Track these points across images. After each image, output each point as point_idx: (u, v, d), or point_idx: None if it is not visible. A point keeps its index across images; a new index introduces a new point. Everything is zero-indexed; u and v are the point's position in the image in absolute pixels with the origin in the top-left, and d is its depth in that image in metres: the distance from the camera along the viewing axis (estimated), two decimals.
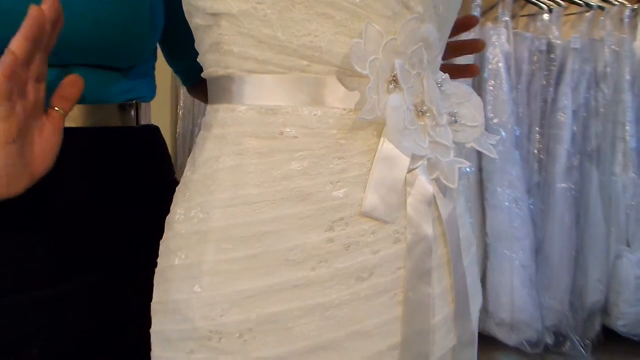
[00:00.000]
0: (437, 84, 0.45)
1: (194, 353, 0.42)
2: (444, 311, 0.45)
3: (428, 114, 0.44)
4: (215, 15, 0.42)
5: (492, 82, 1.94)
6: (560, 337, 2.03)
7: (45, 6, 0.42)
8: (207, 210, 0.43)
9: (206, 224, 0.43)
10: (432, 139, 0.44)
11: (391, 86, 0.41)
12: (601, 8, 2.04)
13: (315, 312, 0.40)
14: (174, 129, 2.23)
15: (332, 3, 0.40)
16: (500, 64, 1.95)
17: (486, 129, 0.49)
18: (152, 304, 0.47)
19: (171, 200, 0.49)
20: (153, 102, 0.69)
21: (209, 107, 0.49)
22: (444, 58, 0.57)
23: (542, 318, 1.95)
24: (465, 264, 0.47)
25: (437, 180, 0.44)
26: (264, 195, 0.41)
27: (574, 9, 2.11)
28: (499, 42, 1.97)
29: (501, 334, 1.93)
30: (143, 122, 0.64)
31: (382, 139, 0.41)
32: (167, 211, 0.49)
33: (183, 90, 2.21)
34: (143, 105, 0.64)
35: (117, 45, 0.55)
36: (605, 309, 2.03)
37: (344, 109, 0.42)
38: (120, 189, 0.60)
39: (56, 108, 0.49)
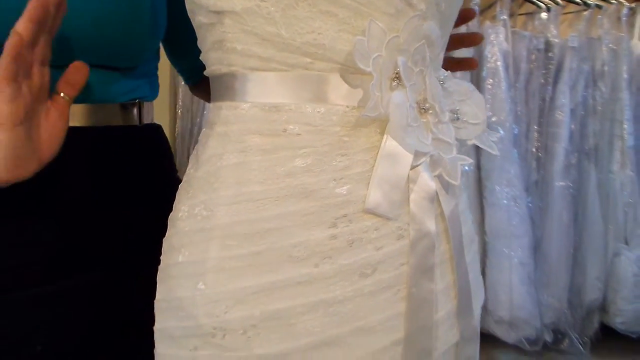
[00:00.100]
0: (439, 81, 0.46)
1: (197, 350, 0.42)
2: (447, 307, 0.46)
3: (430, 111, 0.44)
4: (218, 13, 0.42)
5: (491, 80, 1.95)
6: (559, 334, 2.03)
7: None
8: (210, 208, 0.43)
9: (210, 221, 0.43)
10: (434, 136, 0.44)
11: (394, 83, 0.41)
12: (599, 7, 2.05)
13: (319, 309, 0.41)
14: (172, 128, 2.23)
15: (335, 1, 0.40)
16: (499, 63, 1.96)
17: None
18: (155, 301, 0.48)
19: (174, 199, 0.49)
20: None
21: (211, 104, 0.49)
22: None
23: (541, 316, 1.95)
24: (468, 260, 0.47)
25: (439, 177, 0.44)
26: (268, 193, 0.42)
27: (571, 7, 2.12)
28: (497, 40, 1.98)
29: (500, 332, 1.93)
30: (146, 121, 0.64)
31: (385, 136, 0.42)
32: (170, 209, 0.49)
33: (182, 89, 2.21)
34: (146, 104, 0.64)
35: (117, 45, 0.56)
36: (603, 307, 2.04)
37: (347, 107, 0.42)
38: (123, 187, 0.60)
39: (61, 94, 0.49)
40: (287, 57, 0.42)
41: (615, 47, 2.01)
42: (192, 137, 2.19)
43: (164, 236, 0.49)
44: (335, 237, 0.41)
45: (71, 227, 0.55)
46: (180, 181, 0.51)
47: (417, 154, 0.42)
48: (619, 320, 2.00)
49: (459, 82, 0.48)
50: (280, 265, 0.41)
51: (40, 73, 0.46)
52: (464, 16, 0.62)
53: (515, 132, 1.98)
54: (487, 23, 2.03)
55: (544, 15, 2.06)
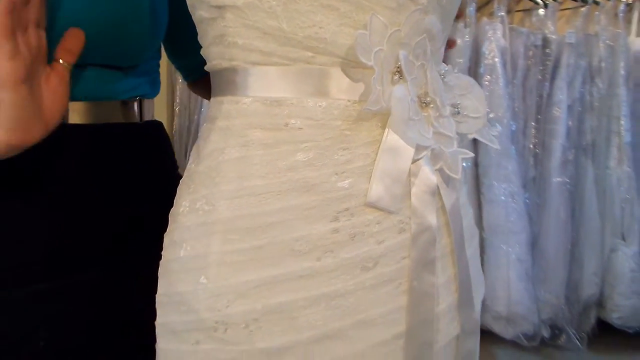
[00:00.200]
0: (440, 75, 0.46)
1: (199, 344, 0.43)
2: (448, 300, 0.46)
3: (432, 105, 0.44)
4: (219, 7, 0.42)
5: (488, 77, 1.95)
6: (556, 330, 2.04)
7: None
8: (212, 202, 0.43)
9: (212, 215, 0.43)
10: (435, 129, 0.44)
11: (395, 77, 0.42)
12: (596, 3, 2.05)
13: (320, 302, 0.41)
14: (170, 125, 2.22)
15: None
16: (496, 59, 1.96)
17: None
18: (156, 296, 0.48)
19: (175, 196, 0.49)
20: None
21: (212, 99, 0.49)
22: None
23: (539, 311, 1.96)
24: (469, 254, 0.48)
25: (440, 171, 0.45)
26: (270, 187, 0.42)
27: (569, 4, 2.12)
28: (494, 37, 1.98)
29: (498, 328, 1.94)
30: (146, 118, 0.64)
31: (386, 129, 0.42)
32: (171, 206, 0.49)
33: (179, 86, 2.21)
34: (146, 101, 0.64)
35: (117, 45, 0.55)
36: (600, 302, 2.05)
37: (349, 100, 0.42)
38: (124, 184, 0.60)
39: (60, 61, 0.49)
40: (289, 51, 0.42)
41: (612, 44, 2.01)
42: (189, 134, 2.19)
43: (163, 235, 0.49)
44: (337, 231, 0.41)
45: (72, 224, 0.55)
46: (181, 178, 0.51)
47: (419, 148, 0.42)
48: (616, 316, 2.01)
49: (460, 76, 0.48)
50: (282, 259, 0.41)
51: (36, 34, 0.46)
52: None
53: (513, 129, 1.99)
54: (485, 20, 2.03)
55: (541, 11, 2.07)
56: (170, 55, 0.77)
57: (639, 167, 2.03)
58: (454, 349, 0.47)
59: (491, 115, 1.91)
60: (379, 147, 0.42)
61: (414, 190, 0.43)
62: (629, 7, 2.07)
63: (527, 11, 2.14)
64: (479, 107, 0.47)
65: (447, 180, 0.46)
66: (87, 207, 0.56)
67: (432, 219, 0.43)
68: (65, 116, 0.54)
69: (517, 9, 2.16)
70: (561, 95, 2.00)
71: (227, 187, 0.43)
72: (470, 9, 2.01)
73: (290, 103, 0.42)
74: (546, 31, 2.03)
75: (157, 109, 0.72)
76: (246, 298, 0.41)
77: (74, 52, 0.49)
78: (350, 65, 0.42)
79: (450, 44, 0.62)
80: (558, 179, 2.01)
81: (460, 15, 0.62)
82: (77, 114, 0.55)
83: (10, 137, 0.45)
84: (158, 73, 0.69)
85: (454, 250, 0.46)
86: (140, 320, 0.51)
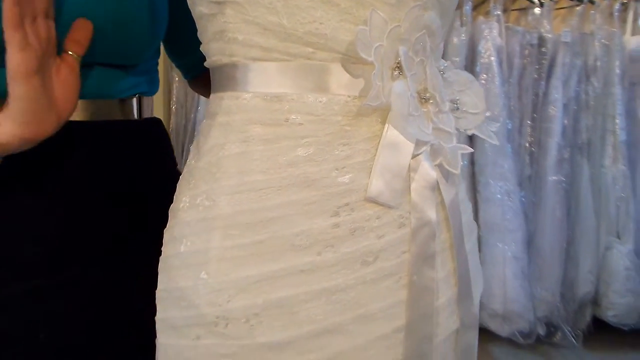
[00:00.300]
0: (439, 71, 0.46)
1: (200, 339, 0.43)
2: (448, 294, 0.46)
3: (431, 101, 0.44)
4: (219, 3, 0.42)
5: (484, 75, 1.96)
6: (551, 327, 2.05)
7: None
8: (213, 198, 0.43)
9: (212, 211, 0.43)
10: (435, 125, 0.44)
11: (395, 73, 0.42)
12: (591, 2, 2.07)
13: (321, 297, 0.41)
14: (167, 124, 2.22)
15: None
16: (492, 58, 1.97)
17: None
18: (156, 291, 0.48)
19: (174, 192, 0.49)
20: None
21: (212, 95, 0.49)
22: None
23: (534, 309, 1.97)
24: (468, 249, 0.48)
25: (440, 166, 0.45)
26: (270, 182, 0.42)
27: (564, 3, 2.13)
28: (490, 36, 1.99)
29: (494, 325, 1.95)
30: (145, 115, 0.64)
31: (386, 125, 0.42)
32: (171, 202, 0.50)
33: (176, 85, 2.20)
34: (145, 99, 0.64)
35: (116, 44, 0.55)
36: (595, 300, 2.06)
37: (349, 96, 0.42)
38: (124, 181, 0.60)
39: (69, 52, 0.49)
40: (289, 46, 0.42)
41: (607, 43, 2.02)
42: (186, 133, 2.19)
43: (163, 231, 0.49)
44: (337, 226, 0.41)
45: (72, 221, 0.55)
46: (180, 175, 0.51)
47: (418, 143, 0.42)
48: (611, 314, 2.02)
49: (459, 72, 0.48)
50: (282, 254, 0.41)
51: (45, 25, 0.46)
52: None
53: (509, 127, 2.00)
54: (481, 18, 2.04)
55: (537, 10, 2.08)
56: (170, 54, 0.77)
57: (634, 165, 2.04)
58: (453, 343, 0.48)
59: (487, 114, 1.92)
60: (379, 142, 0.42)
61: (413, 185, 0.43)
62: (624, 6, 2.08)
63: (523, 10, 2.15)
64: (478, 103, 0.48)
65: (446, 175, 0.46)
66: (87, 204, 0.56)
67: (432, 213, 0.43)
68: None
69: (513, 8, 2.17)
70: (557, 94, 2.01)
71: (227, 182, 0.43)
72: (467, 8, 2.01)
73: (290, 99, 0.42)
74: (542, 30, 2.04)
75: (154, 108, 0.72)
76: (247, 293, 0.41)
77: (82, 43, 0.49)
78: (351, 61, 0.42)
79: None
80: (554, 178, 2.02)
81: None
82: (76, 111, 0.55)
83: (24, 130, 0.45)
84: (157, 71, 0.69)
85: (453, 245, 0.46)
86: (141, 317, 0.51)
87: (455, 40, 2.00)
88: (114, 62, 0.57)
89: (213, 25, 0.44)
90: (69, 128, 0.51)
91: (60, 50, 0.50)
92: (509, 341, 2.00)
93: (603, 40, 2.02)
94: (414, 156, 0.43)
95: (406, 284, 0.43)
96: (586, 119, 2.05)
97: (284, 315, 0.41)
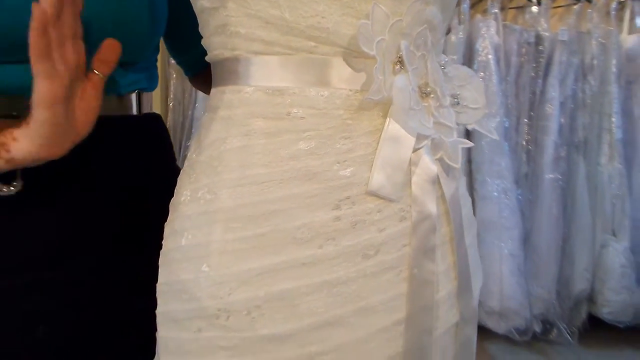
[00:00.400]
0: (440, 66, 0.46)
1: (201, 332, 0.43)
2: (448, 287, 0.46)
3: (432, 96, 0.44)
4: None
5: (482, 73, 1.96)
6: (547, 325, 2.06)
7: None
8: (214, 191, 0.43)
9: (214, 204, 0.43)
10: (435, 119, 0.44)
11: (397, 67, 0.42)
12: (588, 1, 2.07)
13: (322, 289, 0.41)
14: (164, 120, 2.21)
15: None
16: (490, 56, 1.98)
17: None
18: (157, 285, 0.48)
19: (174, 188, 0.49)
20: None
21: (213, 89, 0.49)
22: None
23: (530, 306, 1.98)
24: (467, 243, 0.48)
25: (440, 160, 0.45)
26: (272, 175, 0.42)
27: (561, 1, 2.14)
28: (488, 34, 2.00)
29: (491, 323, 1.96)
30: (145, 110, 0.64)
31: (388, 119, 0.42)
32: (169, 197, 0.50)
33: (173, 82, 2.20)
34: (144, 94, 0.64)
35: None
36: (591, 297, 2.07)
37: (350, 90, 0.43)
38: (124, 176, 0.60)
39: (95, 71, 0.48)
40: (291, 40, 0.42)
41: (604, 41, 2.03)
42: (184, 129, 2.18)
43: (163, 225, 0.49)
44: (338, 219, 0.41)
45: (72, 216, 0.55)
46: (179, 170, 0.51)
47: (419, 137, 0.43)
48: (606, 311, 2.03)
49: (459, 67, 0.49)
50: (284, 246, 0.41)
51: (74, 49, 0.45)
52: None
53: (506, 125, 2.01)
54: (478, 16, 2.05)
55: (534, 9, 2.08)
56: (171, 50, 0.77)
57: (630, 163, 2.05)
58: (452, 336, 0.48)
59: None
60: (380, 136, 0.42)
61: (414, 179, 0.43)
62: (621, 5, 2.08)
63: (521, 8, 2.16)
64: (478, 98, 0.48)
65: (447, 169, 0.46)
66: (87, 198, 0.56)
67: (432, 207, 0.43)
68: None
69: (511, 6, 2.18)
70: (554, 92, 2.02)
71: (229, 175, 0.43)
72: (464, 6, 2.02)
73: (292, 92, 0.43)
74: (539, 28, 2.05)
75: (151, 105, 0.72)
76: (248, 285, 0.41)
77: (110, 63, 0.49)
78: (352, 55, 0.42)
79: None
80: (550, 176, 2.03)
81: None
82: None
83: (40, 151, 0.45)
84: (156, 67, 0.69)
85: (453, 239, 0.47)
86: (141, 312, 0.51)
87: (452, 38, 2.00)
88: None
89: (215, 19, 0.44)
90: None
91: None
92: (506, 338, 2.01)
93: (600, 39, 2.03)
94: (414, 150, 0.43)
95: (407, 277, 0.43)
96: (583, 117, 2.06)
97: (285, 308, 0.41)
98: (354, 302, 0.42)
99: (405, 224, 0.43)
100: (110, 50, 0.49)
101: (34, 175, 0.52)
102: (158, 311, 0.47)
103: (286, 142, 0.42)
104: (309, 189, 0.42)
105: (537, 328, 2.04)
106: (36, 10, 0.40)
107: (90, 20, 0.51)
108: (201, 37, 0.49)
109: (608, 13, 2.05)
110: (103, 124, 0.57)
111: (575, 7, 2.07)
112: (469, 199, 0.53)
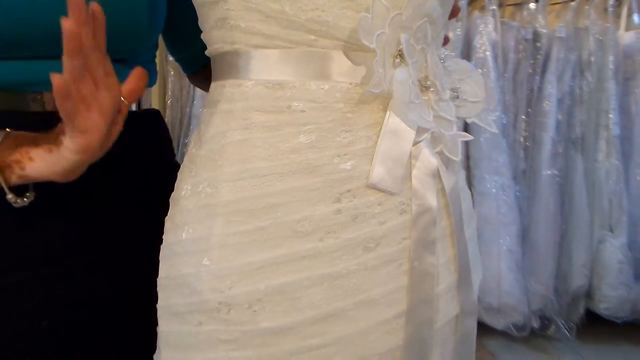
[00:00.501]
0: (440, 59, 0.46)
1: (202, 325, 0.43)
2: (448, 280, 0.46)
3: (432, 89, 0.45)
4: None
5: (480, 70, 1.96)
6: (545, 320, 2.07)
7: (73, 18, 0.40)
8: (215, 185, 0.44)
9: (214, 198, 0.43)
10: (435, 113, 0.45)
11: (397, 61, 0.42)
12: None
13: (323, 282, 0.41)
14: None
15: None
16: (488, 53, 1.98)
17: None
18: (158, 279, 0.48)
19: (173, 182, 0.49)
20: None
21: (213, 84, 0.49)
22: None
23: (529, 302, 1.99)
24: (467, 236, 0.48)
25: (440, 154, 0.45)
26: (273, 169, 0.42)
27: None
28: (486, 31, 2.00)
29: (489, 319, 1.96)
30: (144, 106, 0.64)
31: (388, 112, 0.42)
32: (169, 192, 0.50)
33: (171, 79, 2.20)
34: (144, 91, 0.64)
35: (115, 39, 0.55)
36: (589, 293, 2.08)
37: (350, 83, 0.43)
38: (123, 171, 0.60)
39: (124, 100, 0.47)
40: (291, 34, 0.42)
41: (601, 38, 2.03)
42: (182, 126, 2.18)
43: (163, 220, 0.49)
44: (339, 212, 0.42)
45: (72, 210, 0.55)
46: (179, 166, 0.51)
47: (419, 130, 0.43)
48: (604, 306, 2.04)
49: (459, 61, 0.49)
50: (285, 240, 0.41)
51: (109, 92, 0.44)
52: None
53: (504, 122, 2.01)
54: (476, 13, 2.05)
55: (532, 5, 2.08)
56: (170, 48, 0.77)
57: (627, 160, 2.06)
58: (453, 328, 0.48)
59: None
60: (380, 129, 0.43)
61: (414, 172, 0.43)
62: (618, 2, 2.09)
63: (518, 5, 2.16)
64: (478, 92, 0.48)
65: (446, 163, 0.46)
66: (86, 192, 0.56)
67: (433, 200, 0.44)
68: None
69: (508, 3, 2.17)
70: (551, 89, 2.02)
71: (229, 169, 0.43)
72: (462, 3, 2.02)
73: (292, 86, 0.43)
74: (537, 25, 2.05)
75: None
76: (249, 279, 0.41)
77: (138, 92, 0.48)
78: (352, 48, 0.42)
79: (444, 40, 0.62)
80: (548, 172, 2.03)
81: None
82: None
83: (54, 177, 0.46)
84: (154, 63, 0.69)
85: (453, 232, 0.47)
86: (142, 307, 0.51)
87: (450, 34, 2.00)
88: (113, 56, 0.57)
89: (215, 12, 0.44)
90: None
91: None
92: (504, 334, 2.01)
93: (597, 36, 2.03)
94: (415, 143, 0.43)
95: (407, 270, 0.43)
96: (580, 114, 2.06)
97: (286, 301, 0.41)
98: (354, 295, 0.42)
99: (406, 217, 0.43)
100: (139, 79, 0.48)
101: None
102: (159, 305, 0.48)
103: (287, 135, 0.42)
104: (309, 182, 0.42)
105: (535, 324, 2.04)
106: (54, 80, 0.39)
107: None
108: (199, 34, 0.49)
109: (605, 10, 2.05)
110: None
111: (572, 3, 2.07)
112: (469, 193, 0.53)
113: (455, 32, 2.00)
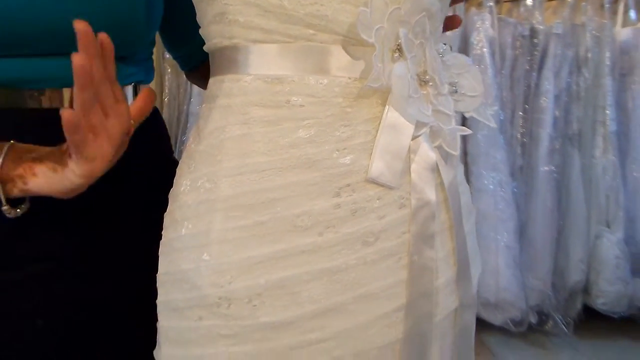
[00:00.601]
0: (438, 54, 0.46)
1: (202, 320, 0.43)
2: (447, 274, 0.47)
3: (430, 83, 0.45)
4: None
5: (477, 67, 1.97)
6: (543, 316, 2.08)
7: (83, 53, 0.39)
8: (214, 180, 0.44)
9: (214, 193, 0.43)
10: (434, 107, 0.45)
11: (395, 55, 0.42)
12: None
13: (322, 277, 0.41)
14: None
15: None
16: (485, 49, 1.98)
17: None
18: (157, 275, 0.48)
19: (172, 180, 0.49)
20: None
21: (211, 79, 0.49)
22: None
23: (526, 298, 1.99)
24: (466, 230, 0.49)
25: (439, 148, 0.45)
26: (272, 163, 0.42)
27: None
28: (483, 27, 2.00)
29: (486, 314, 1.97)
30: None
31: (387, 107, 0.42)
32: (168, 188, 0.50)
33: (168, 76, 2.19)
34: (141, 87, 0.64)
35: (113, 39, 0.55)
36: (586, 288, 2.09)
37: (349, 78, 0.43)
38: (122, 168, 0.60)
39: (132, 121, 0.47)
40: (290, 28, 0.42)
41: (598, 34, 2.04)
42: (179, 124, 2.18)
43: (162, 213, 0.49)
44: (338, 207, 0.42)
45: (69, 208, 0.55)
46: (177, 163, 0.51)
47: (418, 125, 0.43)
48: (601, 301, 2.04)
49: (457, 55, 0.49)
50: (284, 234, 0.41)
51: (118, 119, 0.44)
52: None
53: (501, 118, 2.01)
54: (473, 10, 2.05)
55: (529, 2, 2.08)
56: (167, 45, 0.77)
57: (624, 156, 2.07)
58: (452, 322, 0.48)
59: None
60: (379, 124, 0.43)
61: (413, 166, 0.43)
62: None
63: (515, 2, 2.16)
64: (476, 86, 0.48)
65: (445, 157, 0.46)
66: (86, 192, 0.56)
67: (432, 194, 0.44)
68: (60, 100, 0.54)
69: (505, 0, 2.18)
70: (548, 85, 2.02)
71: (228, 164, 0.43)
72: None
73: (291, 80, 0.43)
74: (534, 21, 2.05)
75: None
76: (249, 274, 0.41)
77: (146, 113, 0.48)
78: (351, 42, 0.42)
79: (457, 22, 0.62)
80: (545, 168, 2.04)
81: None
82: (71, 99, 0.55)
83: (56, 195, 0.46)
84: (152, 60, 0.69)
85: (452, 226, 0.47)
86: (140, 304, 0.51)
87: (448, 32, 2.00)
88: None
89: (213, 7, 0.44)
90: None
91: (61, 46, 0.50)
92: (501, 329, 2.02)
93: (594, 32, 2.04)
94: (413, 138, 0.43)
95: (406, 264, 0.43)
96: (577, 110, 2.07)
97: (286, 296, 0.41)
98: (354, 289, 0.42)
99: (405, 211, 0.43)
100: (147, 100, 0.48)
101: None
102: (159, 301, 0.48)
103: (286, 130, 0.42)
104: (308, 177, 0.42)
105: (533, 319, 2.05)
106: (64, 114, 0.39)
107: (86, 13, 0.51)
108: (197, 32, 0.49)
109: (602, 6, 2.06)
110: None
111: (569, 0, 2.08)
112: (468, 187, 0.53)
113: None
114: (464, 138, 1.96)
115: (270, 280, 0.41)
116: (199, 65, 0.74)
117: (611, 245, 2.02)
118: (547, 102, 2.02)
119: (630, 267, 2.02)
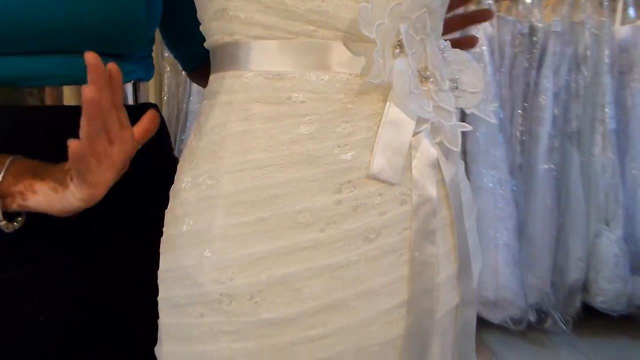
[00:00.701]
0: (439, 50, 0.46)
1: (203, 317, 0.43)
2: (448, 270, 0.47)
3: (431, 80, 0.45)
4: None
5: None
6: (542, 314, 2.08)
7: (93, 85, 0.40)
8: (215, 176, 0.43)
9: (215, 189, 0.43)
10: (435, 103, 0.45)
11: (396, 51, 0.42)
12: None
13: (324, 273, 0.41)
14: None
15: None
16: (484, 47, 1.98)
17: None
18: (159, 272, 0.48)
19: (172, 177, 0.49)
20: None
21: (212, 75, 0.49)
22: (450, 31, 0.58)
23: (525, 296, 2.00)
24: (467, 226, 0.49)
25: (440, 144, 0.45)
26: (273, 160, 0.42)
27: None
28: (482, 25, 2.00)
29: (486, 312, 1.97)
30: (141, 101, 0.64)
31: (388, 103, 0.42)
32: (168, 186, 0.50)
33: (167, 75, 2.19)
34: (141, 84, 0.64)
35: (111, 38, 0.55)
36: (585, 287, 2.09)
37: (350, 74, 0.43)
38: None
39: (136, 142, 0.48)
40: (291, 24, 0.42)
41: (597, 32, 2.04)
42: (178, 122, 2.18)
43: (163, 211, 0.49)
44: (340, 203, 0.42)
45: None
46: (177, 160, 0.51)
47: (419, 121, 0.43)
48: (600, 300, 2.05)
49: (458, 51, 0.49)
50: (285, 231, 0.41)
51: (121, 145, 0.44)
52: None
53: (501, 117, 2.02)
54: (472, 7, 2.04)
55: (528, 0, 2.08)
56: (168, 45, 0.77)
57: (623, 154, 2.07)
58: (453, 318, 0.48)
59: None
60: (380, 120, 0.43)
61: (414, 162, 0.43)
62: None
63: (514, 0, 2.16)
64: (477, 82, 0.48)
65: (446, 153, 0.46)
66: None
67: (433, 190, 0.44)
68: (60, 97, 0.54)
69: None
70: (547, 83, 2.03)
71: (230, 160, 0.43)
72: None
73: (292, 77, 0.43)
74: (533, 19, 2.06)
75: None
76: (251, 270, 0.41)
77: (150, 134, 0.49)
78: (352, 39, 0.42)
79: (488, 15, 0.61)
80: (544, 166, 2.04)
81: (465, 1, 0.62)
82: (70, 96, 0.54)
83: (55, 214, 0.46)
84: (151, 57, 0.69)
85: (453, 222, 0.47)
86: (141, 301, 0.51)
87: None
88: (110, 51, 0.57)
89: (214, 4, 0.44)
90: (66, 114, 0.51)
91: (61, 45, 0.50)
92: (501, 328, 2.03)
93: (593, 30, 2.04)
94: (415, 134, 0.43)
95: (408, 260, 0.43)
96: (576, 108, 2.07)
97: (287, 292, 0.41)
98: (355, 285, 0.42)
99: (406, 208, 0.43)
100: (152, 122, 0.48)
101: None
102: (160, 297, 0.48)
103: (287, 126, 0.42)
104: (310, 173, 0.42)
105: (532, 317, 2.06)
106: (71, 147, 0.39)
107: (86, 11, 0.51)
108: (198, 30, 0.49)
109: (601, 4, 2.06)
110: None
111: None
112: (468, 184, 0.53)
113: None
114: (464, 136, 1.96)
115: (271, 277, 0.41)
116: (200, 65, 0.74)
117: (610, 244, 2.02)
118: (546, 100, 2.02)
119: (630, 265, 2.03)
